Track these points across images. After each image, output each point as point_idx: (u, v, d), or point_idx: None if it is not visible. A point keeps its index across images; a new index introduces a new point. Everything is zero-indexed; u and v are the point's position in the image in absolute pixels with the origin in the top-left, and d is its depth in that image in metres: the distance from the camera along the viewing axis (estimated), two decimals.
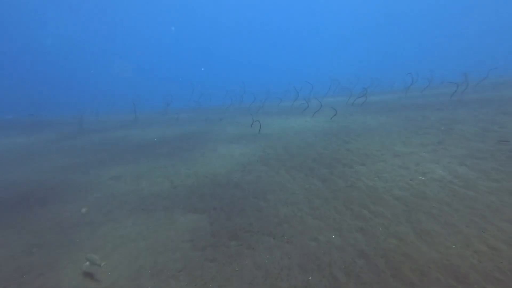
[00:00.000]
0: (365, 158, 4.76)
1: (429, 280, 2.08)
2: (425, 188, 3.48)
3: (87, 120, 14.42)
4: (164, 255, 2.73)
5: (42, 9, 41.76)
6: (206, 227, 3.18)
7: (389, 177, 3.95)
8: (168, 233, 3.13)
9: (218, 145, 6.82)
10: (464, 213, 2.85)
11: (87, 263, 2.52)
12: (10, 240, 3.24)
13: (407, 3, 51.72)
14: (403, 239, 2.57)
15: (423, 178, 3.74)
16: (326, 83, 18.47)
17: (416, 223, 2.79)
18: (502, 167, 3.79)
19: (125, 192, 4.41)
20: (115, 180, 4.99)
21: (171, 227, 3.25)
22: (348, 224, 2.94)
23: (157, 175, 5.04)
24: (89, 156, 6.96)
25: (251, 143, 6.65)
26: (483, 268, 2.12)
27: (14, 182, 5.33)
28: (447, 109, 7.74)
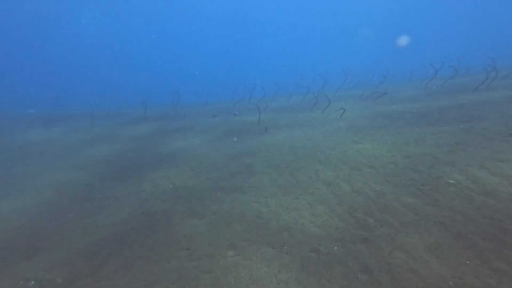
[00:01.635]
0: (374, 160, 4.51)
1: None
2: (438, 195, 3.22)
3: None
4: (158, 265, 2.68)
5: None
6: (205, 232, 3.10)
7: (398, 181, 3.71)
8: (165, 238, 3.07)
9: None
10: (481, 223, 2.59)
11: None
12: None
13: None
14: (411, 252, 2.37)
15: (452, 182, 3.45)
16: (340, 76, 17.97)
17: (425, 234, 2.56)
18: None
19: None
20: None
21: (167, 232, 3.19)
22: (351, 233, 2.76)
23: None
24: None
25: None
26: None
27: None
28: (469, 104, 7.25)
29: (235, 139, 7.08)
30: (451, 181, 3.48)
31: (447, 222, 2.70)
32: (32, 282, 2.43)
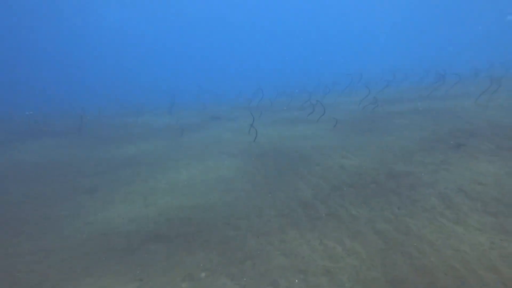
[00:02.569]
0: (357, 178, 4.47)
1: None
2: (411, 221, 3.17)
3: None
4: None
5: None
6: (163, 261, 3.05)
7: (376, 204, 3.66)
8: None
9: None
10: (446, 256, 2.53)
11: None
12: None
13: None
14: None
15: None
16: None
17: (390, 268, 2.51)
18: (504, 196, 3.38)
19: None
20: None
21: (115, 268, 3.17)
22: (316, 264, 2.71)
23: None
24: None
25: None
26: None
27: None
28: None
29: None
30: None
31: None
32: None
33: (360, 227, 3.20)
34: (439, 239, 2.79)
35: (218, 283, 2.59)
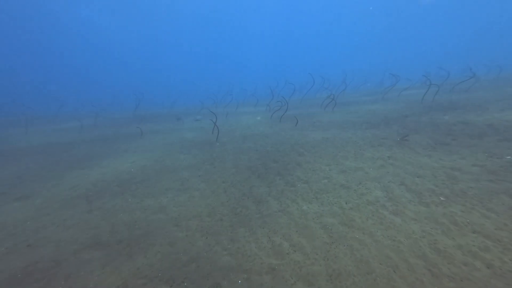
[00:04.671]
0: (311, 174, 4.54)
1: None
2: (356, 214, 3.27)
3: None
4: None
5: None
6: (97, 270, 2.78)
7: (326, 199, 3.73)
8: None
9: None
10: (383, 246, 2.64)
11: None
12: None
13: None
14: (312, 283, 2.31)
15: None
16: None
17: (332, 261, 2.54)
18: (437, 187, 3.66)
19: None
20: None
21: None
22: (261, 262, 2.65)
23: None
24: None
25: None
26: None
27: None
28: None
29: None
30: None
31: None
32: None
33: (308, 222, 3.22)
34: (379, 230, 2.91)
35: None
